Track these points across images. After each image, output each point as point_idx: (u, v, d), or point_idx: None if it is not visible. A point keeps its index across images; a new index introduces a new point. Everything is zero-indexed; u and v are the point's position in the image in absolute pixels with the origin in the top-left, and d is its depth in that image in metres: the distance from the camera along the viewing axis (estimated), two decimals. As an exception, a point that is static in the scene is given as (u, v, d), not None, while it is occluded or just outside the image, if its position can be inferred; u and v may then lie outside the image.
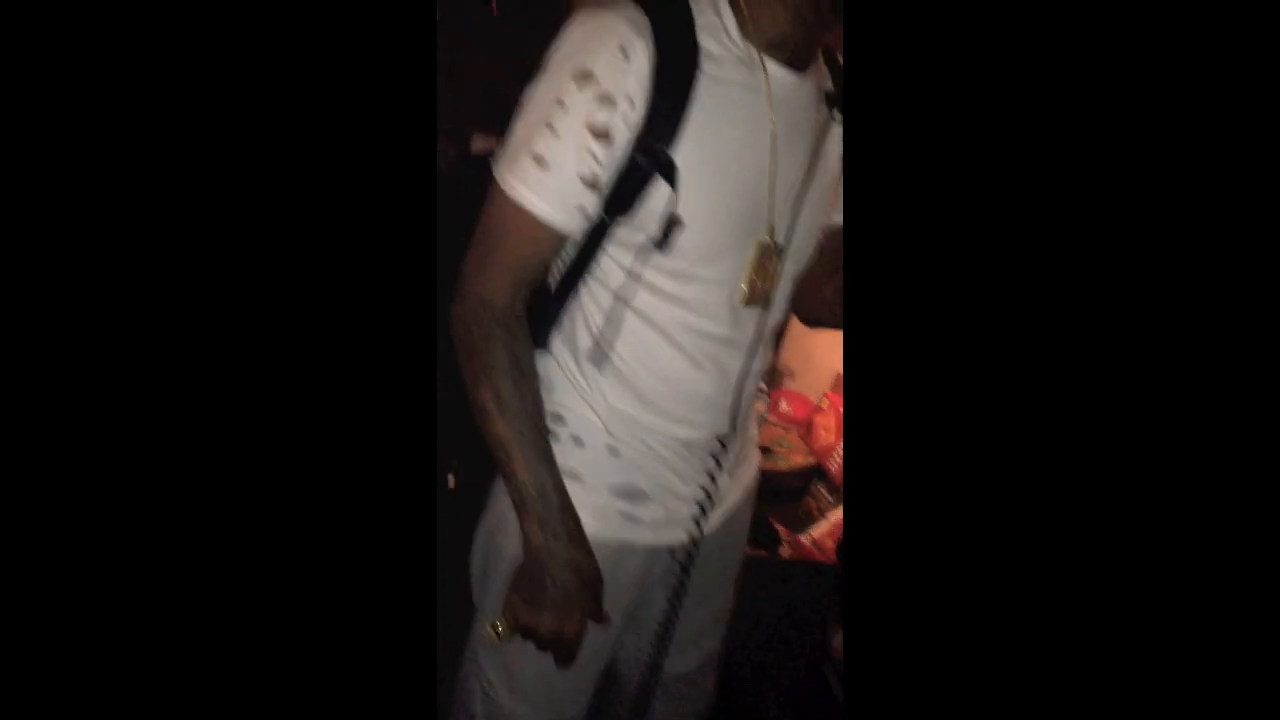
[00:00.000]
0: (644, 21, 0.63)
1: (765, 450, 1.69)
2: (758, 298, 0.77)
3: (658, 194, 0.67)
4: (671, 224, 0.67)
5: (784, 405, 2.03)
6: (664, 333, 0.75)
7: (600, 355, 0.77)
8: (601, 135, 0.64)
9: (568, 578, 0.74)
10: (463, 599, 0.91)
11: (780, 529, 1.66)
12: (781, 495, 1.76)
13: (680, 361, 0.77)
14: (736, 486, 0.95)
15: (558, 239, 0.71)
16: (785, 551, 1.64)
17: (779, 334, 0.95)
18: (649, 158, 0.65)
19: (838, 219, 0.87)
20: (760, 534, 1.59)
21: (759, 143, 0.70)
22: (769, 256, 0.75)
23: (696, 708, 1.12)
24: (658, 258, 0.70)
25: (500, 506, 0.83)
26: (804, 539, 1.68)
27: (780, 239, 0.75)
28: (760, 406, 1.00)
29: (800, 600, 1.54)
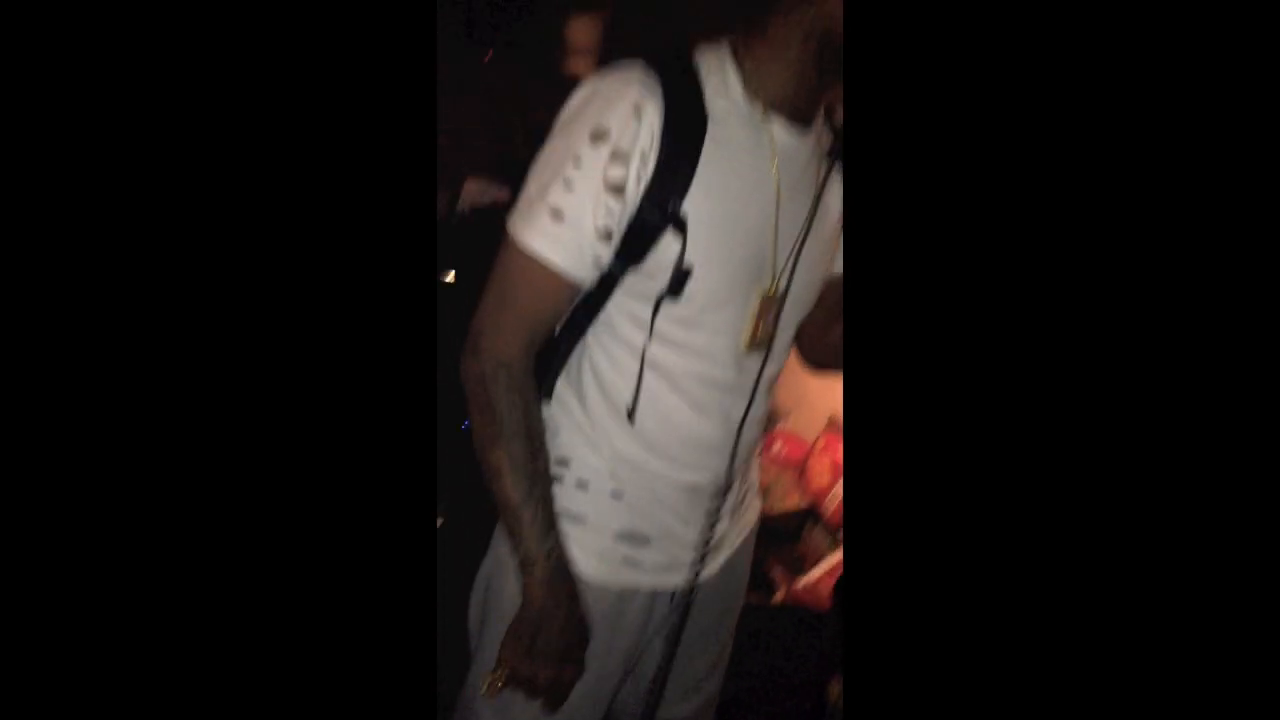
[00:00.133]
0: (655, 83, 0.66)
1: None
2: (760, 344, 0.79)
3: (668, 245, 0.69)
4: (683, 274, 0.69)
5: (778, 446, 2.01)
6: (669, 378, 0.77)
7: (606, 400, 0.78)
8: (616, 190, 0.66)
9: (563, 636, 0.77)
10: (457, 641, 0.91)
11: (775, 574, 1.63)
12: (776, 538, 1.74)
13: (685, 407, 0.78)
14: (738, 531, 0.95)
15: (573, 290, 0.73)
16: (780, 597, 1.62)
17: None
18: (660, 211, 0.68)
19: (839, 268, 0.90)
20: (756, 580, 1.56)
21: (763, 196, 0.73)
22: (771, 305, 0.77)
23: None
24: (666, 306, 0.72)
25: (499, 554, 0.84)
26: (799, 585, 1.65)
27: (782, 288, 0.77)
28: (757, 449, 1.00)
29: (796, 648, 1.51)
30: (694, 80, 0.69)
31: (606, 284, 0.74)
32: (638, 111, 0.66)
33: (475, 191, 2.42)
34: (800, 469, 2.05)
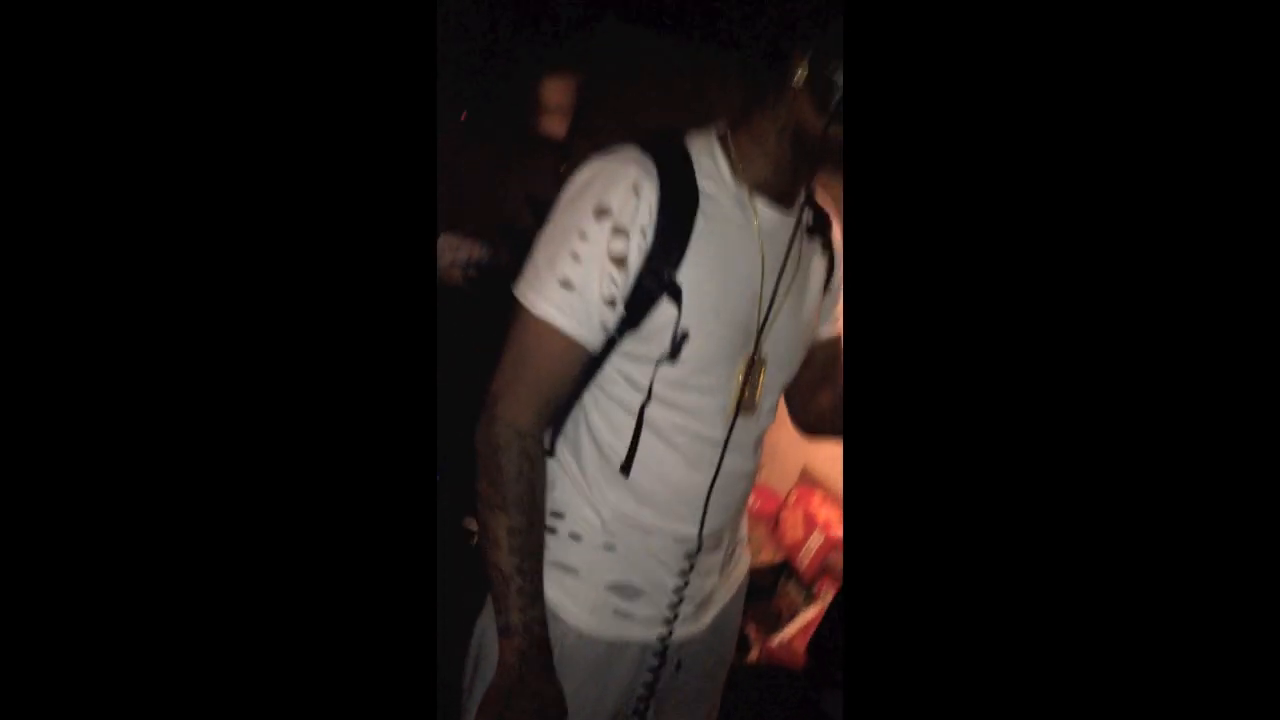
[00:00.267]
0: (651, 165, 0.73)
1: (732, 547, 1.64)
2: (748, 405, 0.84)
3: (663, 311, 0.75)
4: (681, 338, 0.75)
5: (750, 500, 2.00)
6: (662, 435, 0.81)
7: (601, 457, 0.82)
8: (619, 261, 0.73)
9: (534, 705, 0.79)
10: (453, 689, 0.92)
11: (750, 631, 1.60)
12: (750, 594, 1.71)
13: (678, 463, 0.82)
14: (727, 587, 0.98)
15: (584, 355, 0.78)
16: (754, 655, 1.58)
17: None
18: (657, 280, 0.74)
19: (825, 332, 0.96)
20: (729, 636, 1.52)
21: (749, 268, 0.79)
22: (757, 368, 0.83)
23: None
24: (662, 368, 0.78)
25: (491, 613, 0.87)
26: (774, 642, 1.62)
27: (767, 352, 0.83)
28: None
29: (770, 709, 1.47)
30: (686, 163, 0.77)
31: (605, 348, 0.79)
32: (636, 190, 0.72)
33: (448, 248, 2.43)
34: (773, 523, 2.03)
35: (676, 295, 0.74)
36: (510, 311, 0.79)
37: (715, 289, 0.76)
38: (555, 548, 0.84)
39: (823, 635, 1.52)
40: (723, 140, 0.80)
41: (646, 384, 0.78)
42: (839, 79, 0.70)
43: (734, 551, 0.98)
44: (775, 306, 0.82)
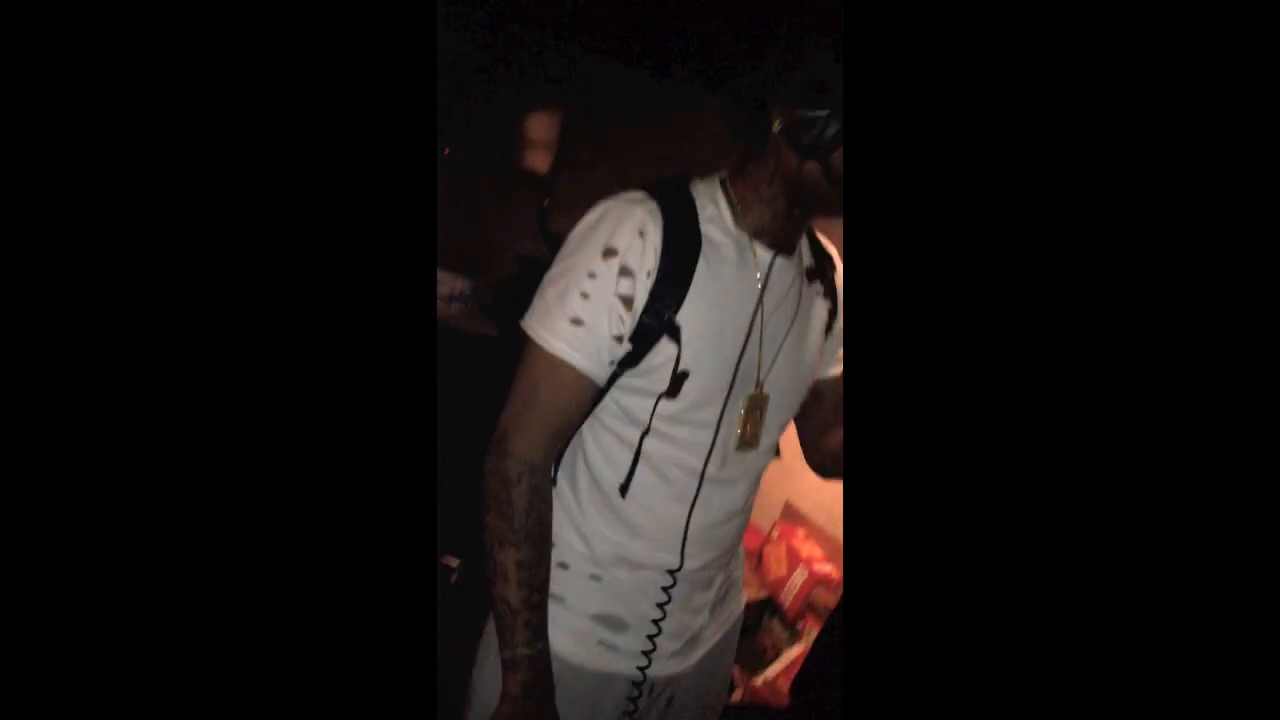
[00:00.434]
0: (657, 209, 0.77)
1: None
2: (750, 442, 0.86)
3: (663, 349, 0.78)
4: (681, 376, 0.78)
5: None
6: (655, 468, 0.83)
7: (596, 488, 0.84)
8: (625, 300, 0.76)
9: None
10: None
11: (733, 670, 1.57)
12: (734, 632, 1.69)
13: (668, 496, 0.84)
14: (717, 625, 0.97)
15: (593, 389, 0.80)
16: (738, 695, 1.55)
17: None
18: (658, 319, 0.77)
19: (835, 372, 0.98)
20: (712, 676, 1.50)
21: (749, 310, 0.82)
22: (757, 406, 0.85)
23: None
24: (662, 403, 0.80)
25: (490, 640, 0.87)
26: (758, 681, 1.59)
27: (767, 391, 0.86)
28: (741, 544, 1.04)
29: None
30: (690, 208, 0.80)
31: (606, 382, 0.81)
32: (642, 233, 0.75)
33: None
34: (756, 559, 2.02)
35: (676, 335, 0.77)
36: (495, 346, 0.79)
37: (714, 329, 0.79)
38: None
39: (807, 674, 1.50)
40: (724, 186, 0.83)
41: (643, 417, 0.80)
42: (820, 125, 0.72)
43: (727, 593, 0.98)
44: (775, 347, 0.85)
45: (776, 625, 1.80)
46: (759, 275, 0.82)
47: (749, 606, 1.82)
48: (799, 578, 1.85)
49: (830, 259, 0.94)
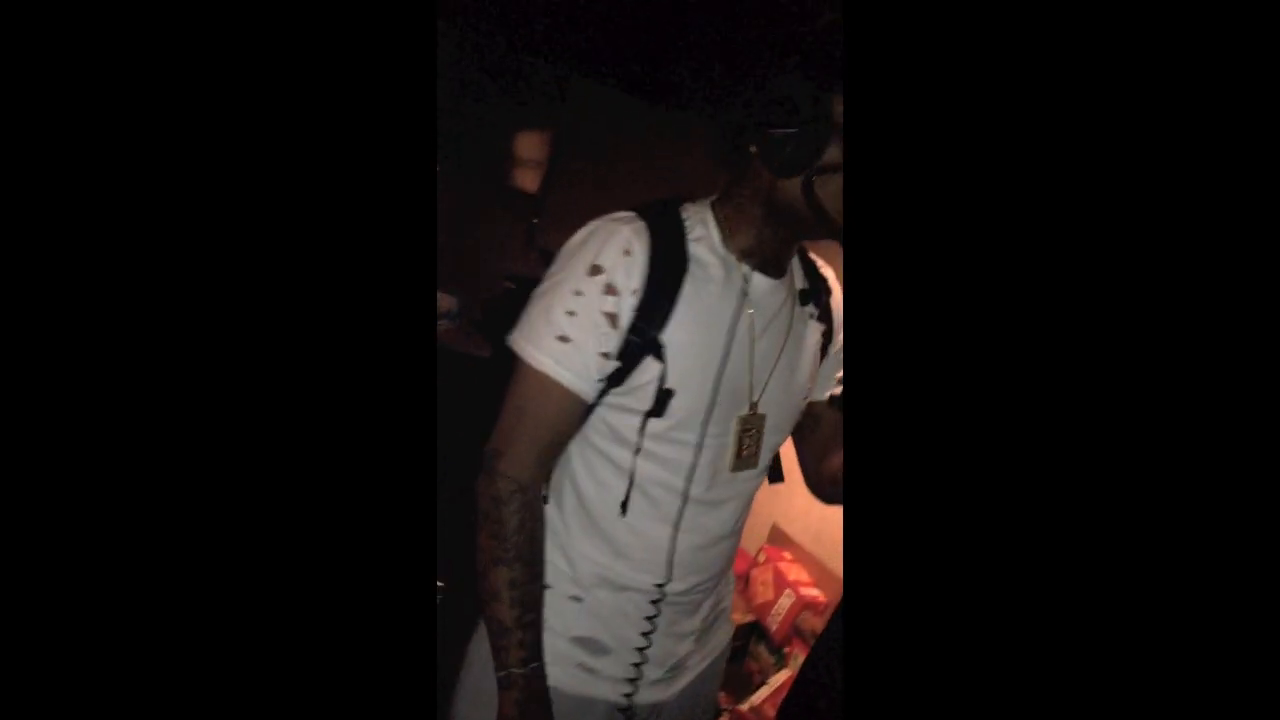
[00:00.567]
0: (644, 229, 0.78)
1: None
2: (744, 463, 0.86)
3: (647, 368, 0.78)
4: (665, 394, 0.78)
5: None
6: (643, 490, 0.82)
7: (581, 508, 0.84)
8: (610, 317, 0.76)
9: None
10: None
11: (719, 696, 1.55)
12: (720, 657, 1.67)
13: (658, 517, 0.83)
14: (702, 654, 0.95)
15: (582, 406, 0.80)
16: (725, 722, 1.53)
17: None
18: (642, 338, 0.77)
19: (830, 392, 0.98)
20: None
21: (739, 332, 0.82)
22: (754, 425, 0.86)
23: None
24: (651, 422, 0.80)
25: (481, 652, 0.86)
26: (745, 708, 1.57)
27: (760, 412, 0.86)
28: (730, 571, 1.02)
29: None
30: (678, 229, 0.81)
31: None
32: (628, 251, 0.76)
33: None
34: (743, 582, 2.00)
35: (660, 353, 0.77)
36: (484, 364, 0.79)
37: (699, 350, 0.79)
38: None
39: (794, 701, 1.48)
40: (714, 208, 0.84)
41: (630, 436, 0.80)
42: (789, 144, 0.73)
43: (715, 620, 0.97)
44: (767, 368, 0.85)
45: (763, 650, 1.78)
46: (746, 296, 0.82)
47: (736, 630, 1.80)
48: (786, 601, 1.83)
49: (825, 282, 0.94)
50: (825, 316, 0.93)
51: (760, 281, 0.83)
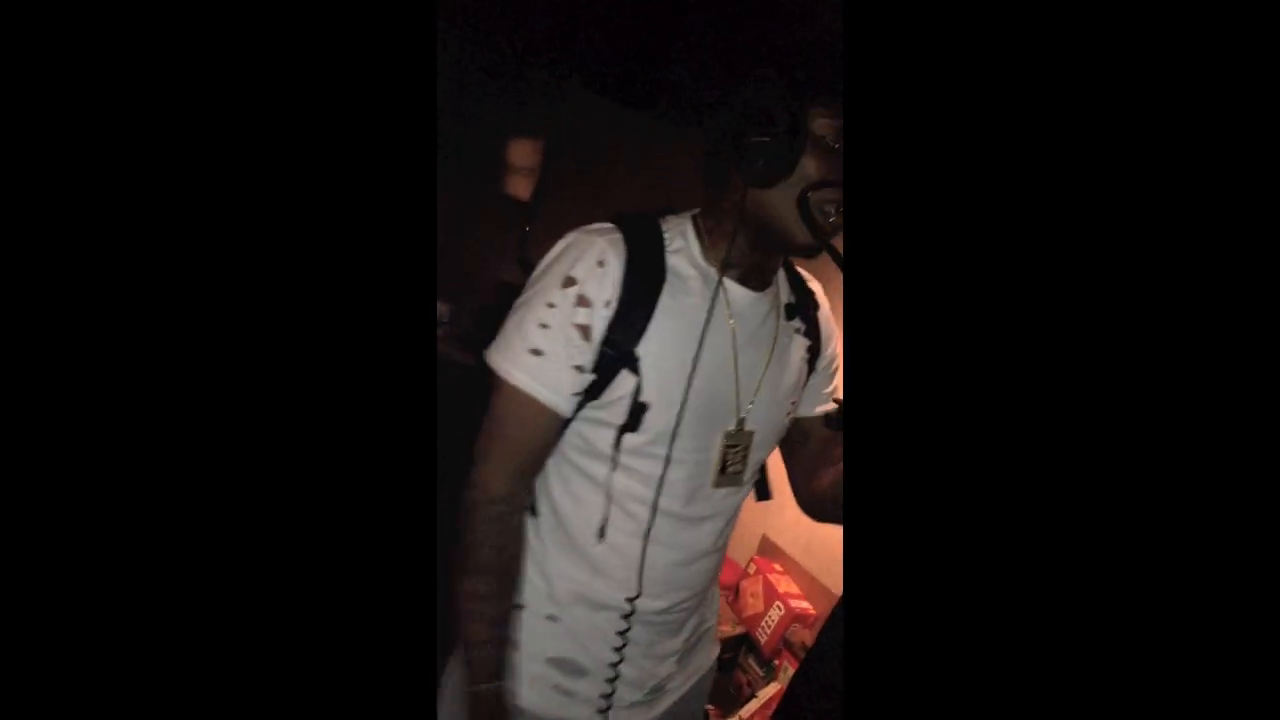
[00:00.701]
0: (620, 240, 0.76)
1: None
2: (728, 479, 0.84)
3: (623, 382, 0.76)
4: (640, 408, 0.76)
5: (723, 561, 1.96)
6: (621, 506, 0.81)
7: (559, 524, 0.83)
8: (583, 329, 0.75)
9: None
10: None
11: (708, 710, 1.54)
12: (709, 670, 1.66)
13: (635, 533, 0.81)
14: (685, 675, 0.93)
15: (557, 420, 0.79)
16: (713, 735, 1.52)
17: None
18: (616, 351, 0.76)
19: (819, 410, 0.96)
20: None
21: (720, 346, 0.80)
22: (737, 443, 0.84)
23: None
24: (626, 437, 0.78)
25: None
26: (733, 720, 1.56)
27: (747, 427, 0.84)
28: (715, 590, 1.00)
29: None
30: (657, 241, 0.80)
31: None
32: (601, 263, 0.75)
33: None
34: (732, 593, 1.99)
35: (636, 366, 0.76)
36: (473, 373, 0.78)
37: (677, 364, 0.77)
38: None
39: (783, 715, 1.47)
40: (695, 220, 0.83)
41: (606, 450, 0.79)
42: (760, 152, 0.71)
43: (698, 642, 0.94)
44: (752, 383, 0.83)
45: (752, 662, 1.77)
46: (727, 309, 0.81)
47: (725, 641, 1.79)
48: (775, 614, 1.82)
49: (812, 295, 0.92)
50: (811, 331, 0.91)
51: (741, 295, 0.81)
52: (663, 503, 0.80)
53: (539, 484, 0.84)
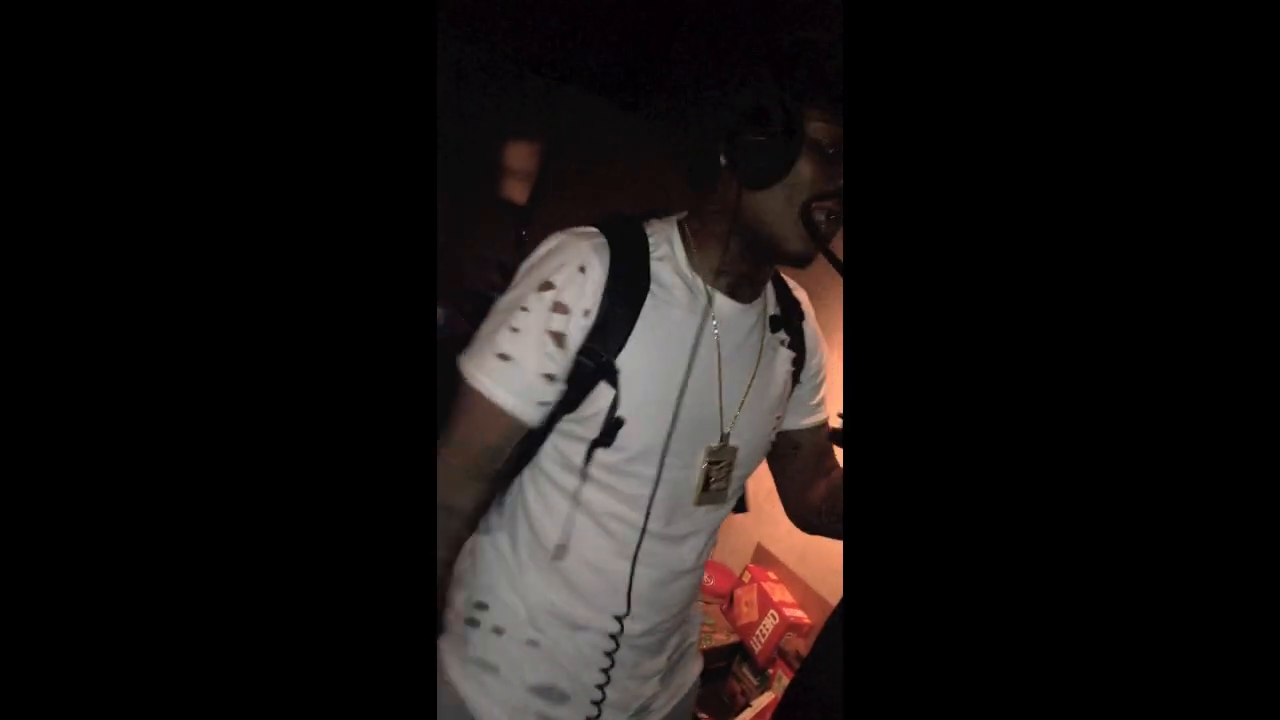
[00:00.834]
0: (604, 245, 0.73)
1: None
2: (711, 496, 0.81)
3: (601, 394, 0.73)
4: (615, 423, 0.73)
5: (703, 577, 1.95)
6: (598, 521, 0.77)
7: (535, 540, 0.79)
8: (557, 337, 0.71)
9: None
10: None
11: (702, 718, 1.53)
12: (703, 678, 1.64)
13: (615, 553, 0.78)
14: (670, 694, 0.91)
15: (517, 428, 0.75)
16: (707, 745, 1.50)
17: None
18: (595, 362, 0.72)
19: (807, 422, 0.92)
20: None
21: (704, 358, 0.76)
22: (720, 459, 0.80)
23: None
24: (599, 452, 0.75)
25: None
26: (727, 730, 1.55)
27: (731, 443, 0.81)
28: (697, 606, 0.98)
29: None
30: (642, 248, 0.76)
31: (545, 425, 0.76)
32: (583, 270, 0.72)
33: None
34: (727, 602, 1.98)
35: (614, 378, 0.72)
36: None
37: (659, 376, 0.74)
38: (477, 643, 0.79)
39: (777, 725, 1.45)
40: (682, 225, 0.79)
41: (577, 463, 0.75)
42: (759, 152, 0.68)
43: (680, 659, 0.92)
44: (737, 398, 0.80)
45: (747, 671, 1.76)
46: (713, 321, 0.77)
47: (719, 650, 1.78)
48: (770, 623, 1.81)
49: (798, 306, 0.89)
50: (797, 342, 0.88)
51: (728, 306, 0.78)
52: (642, 521, 0.77)
53: (515, 502, 0.81)
